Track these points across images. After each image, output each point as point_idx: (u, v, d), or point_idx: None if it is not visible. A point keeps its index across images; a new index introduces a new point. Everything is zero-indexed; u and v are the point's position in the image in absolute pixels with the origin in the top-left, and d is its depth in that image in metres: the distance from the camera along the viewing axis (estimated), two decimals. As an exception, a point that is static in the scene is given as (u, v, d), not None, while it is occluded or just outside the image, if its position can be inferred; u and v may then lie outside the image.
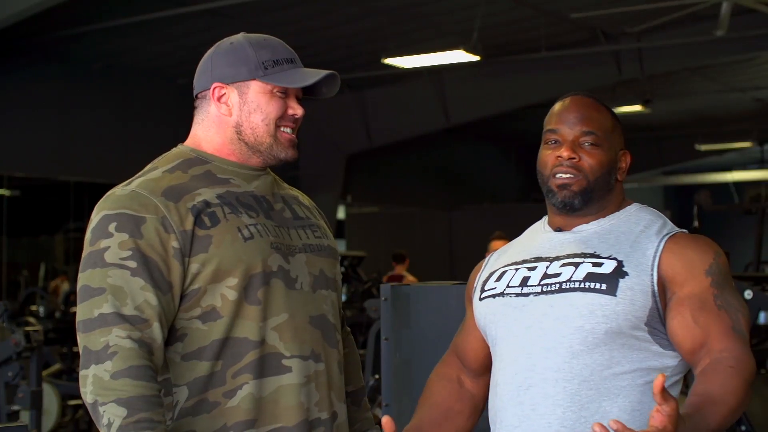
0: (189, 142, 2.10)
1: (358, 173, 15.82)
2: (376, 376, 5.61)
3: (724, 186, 20.17)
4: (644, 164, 20.92)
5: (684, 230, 1.99)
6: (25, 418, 5.41)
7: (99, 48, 11.38)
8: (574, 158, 1.96)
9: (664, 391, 1.62)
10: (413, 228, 17.10)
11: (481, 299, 2.06)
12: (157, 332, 1.86)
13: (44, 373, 6.96)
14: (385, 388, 2.84)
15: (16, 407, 5.42)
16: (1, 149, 11.02)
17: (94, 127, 11.85)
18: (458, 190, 18.17)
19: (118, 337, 1.82)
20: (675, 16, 10.77)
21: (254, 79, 2.02)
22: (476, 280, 2.13)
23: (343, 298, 10.89)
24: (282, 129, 2.05)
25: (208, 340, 1.93)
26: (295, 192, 2.21)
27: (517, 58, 12.58)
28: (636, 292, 1.87)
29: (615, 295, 1.86)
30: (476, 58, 10.91)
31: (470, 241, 13.51)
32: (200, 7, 9.56)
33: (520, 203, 17.86)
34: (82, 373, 1.84)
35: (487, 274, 2.09)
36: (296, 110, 2.06)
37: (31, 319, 8.27)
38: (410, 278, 10.74)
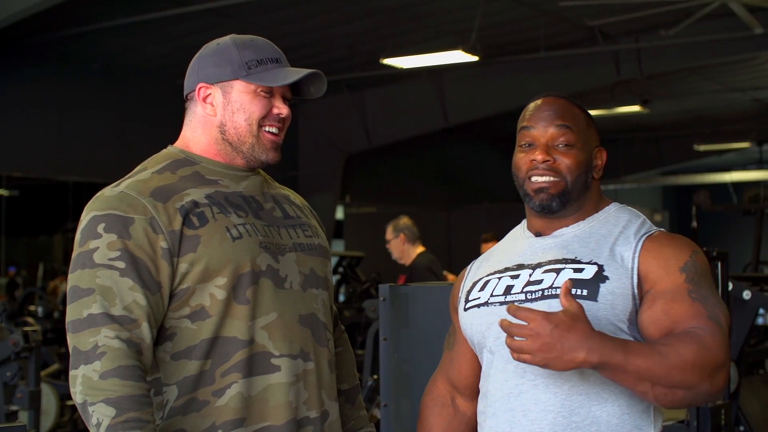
0: (178, 143, 2.11)
1: (357, 173, 15.82)
2: (375, 376, 5.61)
3: (723, 186, 20.17)
4: (643, 164, 20.94)
5: (662, 229, 1.98)
6: (23, 418, 5.41)
7: (98, 48, 11.38)
8: (548, 160, 1.94)
9: (570, 295, 1.74)
10: (412, 228, 17.07)
11: (465, 309, 2.05)
12: (145, 332, 1.87)
13: (43, 373, 6.96)
14: (383, 388, 2.84)
15: (14, 407, 5.42)
16: (0, 149, 11.02)
17: (93, 127, 11.86)
18: (457, 190, 18.17)
19: (106, 337, 1.83)
20: (674, 16, 10.78)
21: (237, 78, 2.03)
22: (460, 290, 2.12)
23: (342, 298, 10.91)
24: (266, 129, 2.05)
25: (197, 339, 1.93)
26: (287, 191, 2.21)
27: (516, 58, 12.59)
28: (617, 295, 1.86)
29: (596, 300, 1.86)
30: (475, 58, 10.92)
31: (469, 240, 13.52)
32: (200, 7, 9.56)
33: (518, 203, 17.75)
34: (71, 373, 1.85)
35: (470, 284, 2.08)
36: (281, 110, 2.06)
37: (30, 319, 8.27)
38: None
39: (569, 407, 1.87)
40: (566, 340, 1.70)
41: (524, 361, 1.73)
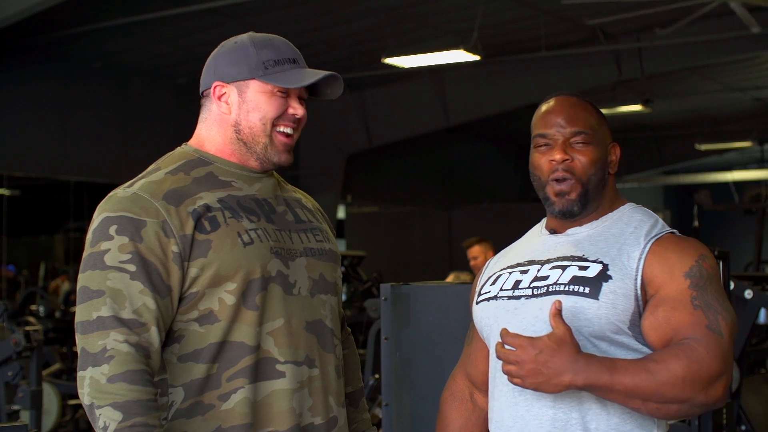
0: (193, 141, 2.11)
1: (358, 173, 15.82)
2: (376, 376, 5.61)
3: (724, 185, 20.17)
4: (644, 164, 20.93)
5: (674, 231, 1.98)
6: (25, 417, 5.41)
7: (98, 47, 11.38)
8: (567, 159, 1.97)
9: (559, 317, 1.78)
10: (413, 227, 17.10)
11: (477, 303, 2.08)
12: (154, 336, 1.88)
13: (44, 372, 6.97)
14: (385, 387, 2.84)
15: (16, 407, 5.42)
16: (1, 148, 11.02)
17: (94, 126, 11.85)
18: (458, 190, 18.17)
19: (115, 341, 1.83)
20: (675, 17, 10.77)
21: (254, 78, 2.03)
22: (477, 285, 2.15)
23: (343, 297, 10.91)
24: (280, 130, 2.05)
25: (205, 343, 1.94)
26: (299, 194, 2.21)
27: (517, 58, 12.58)
28: (618, 295, 1.87)
29: (597, 299, 1.87)
30: (476, 57, 10.91)
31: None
32: (200, 6, 9.56)
33: (519, 203, 17.87)
34: (79, 374, 1.85)
35: (485, 278, 2.11)
36: (297, 110, 2.05)
37: (31, 319, 8.27)
38: None
39: (569, 404, 1.88)
40: (551, 365, 1.75)
41: (517, 385, 1.79)
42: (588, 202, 1.99)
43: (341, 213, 17.56)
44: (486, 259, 2.26)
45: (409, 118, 14.45)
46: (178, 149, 2.10)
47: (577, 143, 1.98)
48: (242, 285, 1.94)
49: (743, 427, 4.36)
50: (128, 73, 12.22)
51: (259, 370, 1.95)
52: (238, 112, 2.05)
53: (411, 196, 17.29)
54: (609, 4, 10.22)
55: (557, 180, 1.98)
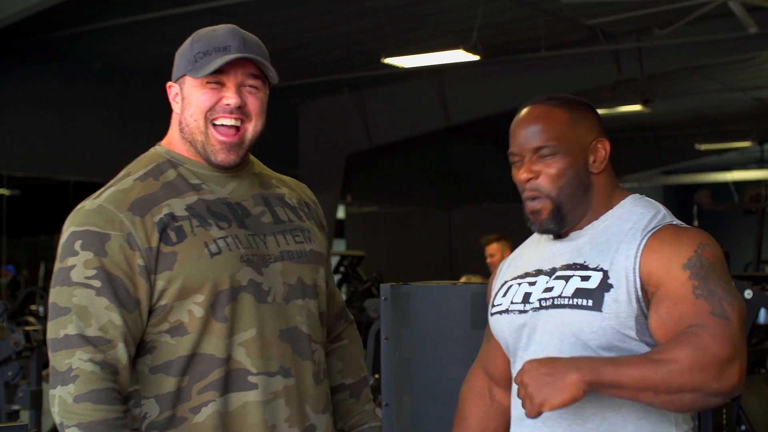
0: (164, 141, 2.07)
1: (358, 173, 15.82)
2: (376, 376, 5.61)
3: (724, 185, 20.17)
4: (644, 164, 20.94)
5: (673, 222, 1.93)
6: (25, 417, 5.41)
7: (98, 47, 11.38)
8: (531, 177, 1.95)
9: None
10: (413, 227, 17.11)
11: (491, 315, 2.08)
12: (121, 352, 1.86)
13: (44, 372, 6.96)
14: (385, 387, 2.84)
15: (16, 407, 5.41)
16: (1, 148, 11.02)
17: (94, 126, 11.85)
18: (458, 190, 18.17)
19: (80, 360, 1.82)
20: (675, 18, 10.77)
21: (185, 73, 2.01)
22: (493, 287, 2.14)
23: (343, 297, 10.91)
24: (217, 123, 1.97)
25: (176, 355, 1.91)
26: (284, 188, 2.14)
27: (517, 58, 12.58)
28: (621, 303, 1.85)
29: (601, 311, 1.85)
30: (476, 57, 10.91)
31: (469, 240, 13.52)
32: (199, 6, 9.56)
33: (519, 203, 17.73)
34: (51, 392, 1.85)
35: (499, 284, 2.10)
36: (230, 99, 1.96)
37: (31, 319, 8.26)
38: None
39: (583, 414, 1.88)
40: (555, 368, 1.73)
41: (531, 417, 1.75)
42: (564, 217, 1.95)
43: (341, 213, 17.57)
44: (503, 257, 2.24)
45: (409, 118, 14.44)
46: (151, 150, 2.06)
47: (543, 157, 1.94)
48: (210, 297, 1.90)
49: (743, 427, 4.36)
50: (128, 73, 12.22)
51: (230, 382, 1.92)
52: (180, 110, 2.01)
53: (411, 196, 17.29)
54: (609, 3, 10.22)
55: (529, 198, 1.98)
